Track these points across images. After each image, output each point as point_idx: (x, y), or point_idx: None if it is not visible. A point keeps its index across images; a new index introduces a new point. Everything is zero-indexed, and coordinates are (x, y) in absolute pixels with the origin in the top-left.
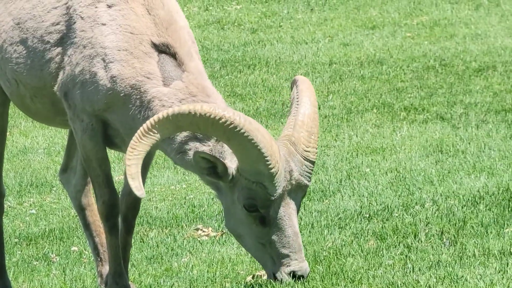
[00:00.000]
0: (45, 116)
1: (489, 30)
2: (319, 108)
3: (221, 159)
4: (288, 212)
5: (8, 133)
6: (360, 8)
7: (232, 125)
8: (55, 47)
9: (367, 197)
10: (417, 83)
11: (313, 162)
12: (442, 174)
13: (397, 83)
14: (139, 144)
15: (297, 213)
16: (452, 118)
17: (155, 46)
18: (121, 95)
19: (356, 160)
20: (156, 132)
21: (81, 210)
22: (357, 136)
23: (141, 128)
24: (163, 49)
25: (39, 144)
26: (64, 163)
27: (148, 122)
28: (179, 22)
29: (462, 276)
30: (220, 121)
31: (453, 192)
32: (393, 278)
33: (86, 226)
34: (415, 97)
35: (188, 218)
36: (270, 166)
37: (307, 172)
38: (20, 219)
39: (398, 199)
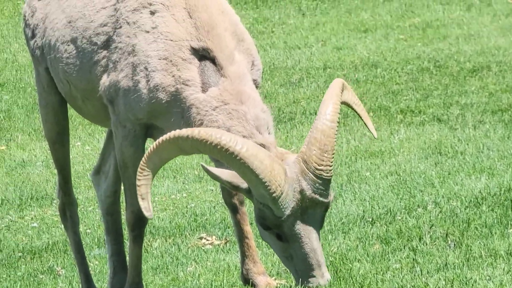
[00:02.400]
0: (97, 119)
1: (481, 30)
2: (316, 114)
3: None
4: (304, 229)
5: (5, 147)
6: (351, 11)
7: (228, 152)
8: (102, 50)
9: (369, 201)
10: (412, 85)
11: (327, 180)
12: (443, 175)
13: (392, 85)
14: (148, 164)
15: (320, 227)
16: (449, 120)
17: (195, 51)
18: (163, 102)
19: (355, 164)
20: (162, 153)
21: (107, 215)
22: (355, 140)
23: (148, 150)
24: (203, 54)
25: (37, 157)
26: (98, 165)
27: (153, 144)
28: (221, 25)
29: (471, 278)
30: (217, 147)
31: (454, 194)
32: (402, 281)
33: (108, 232)
34: (411, 99)
35: (191, 227)
36: (270, 191)
37: (321, 189)
38: (22, 233)
39: (400, 202)
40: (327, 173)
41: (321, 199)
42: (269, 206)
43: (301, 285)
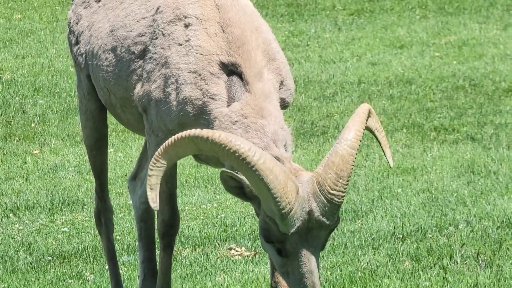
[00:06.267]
0: (136, 127)
1: None
2: None
3: None
4: (306, 248)
5: (38, 151)
6: (387, 27)
7: (245, 161)
8: (138, 59)
9: (400, 217)
10: (446, 103)
11: (337, 205)
12: (475, 195)
13: (427, 103)
14: (163, 157)
15: (321, 249)
16: (483, 139)
17: (224, 66)
18: (191, 115)
19: (387, 180)
20: (178, 149)
21: (140, 221)
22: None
23: (166, 142)
24: (231, 69)
25: (70, 162)
26: (134, 171)
27: (172, 137)
28: (253, 41)
29: None
30: (235, 154)
31: (486, 214)
32: None
33: (141, 238)
34: (445, 117)
35: (220, 238)
36: (280, 207)
37: (329, 213)
38: (52, 237)
39: (431, 220)
40: (339, 198)
41: (327, 222)
42: (275, 221)
43: None
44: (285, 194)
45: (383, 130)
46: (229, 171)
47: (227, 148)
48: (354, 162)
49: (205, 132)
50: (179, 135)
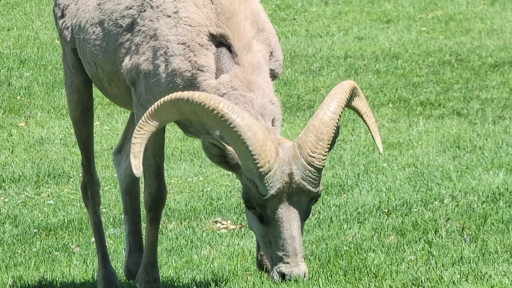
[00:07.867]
0: (123, 101)
1: (504, 26)
2: None
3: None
4: (287, 214)
5: (24, 123)
6: (374, 1)
7: (223, 118)
8: (126, 32)
9: (385, 192)
10: (433, 78)
11: (318, 169)
12: (460, 170)
13: (413, 77)
14: (146, 124)
15: (304, 217)
16: (469, 114)
17: (213, 37)
18: (180, 87)
19: (373, 155)
20: (161, 114)
21: (125, 194)
22: None
23: (149, 109)
24: (220, 40)
25: (55, 134)
26: (120, 144)
27: (154, 104)
28: (242, 12)
29: (486, 273)
30: (213, 112)
31: (472, 188)
32: (416, 273)
33: (126, 211)
34: (431, 92)
35: (206, 211)
36: (258, 165)
37: (310, 177)
38: (38, 210)
39: (417, 194)
40: (319, 161)
41: (308, 187)
42: (255, 182)
43: (273, 273)
44: (263, 152)
45: (372, 116)
46: (210, 136)
47: (206, 106)
48: (335, 126)
49: (185, 94)
50: (161, 100)
